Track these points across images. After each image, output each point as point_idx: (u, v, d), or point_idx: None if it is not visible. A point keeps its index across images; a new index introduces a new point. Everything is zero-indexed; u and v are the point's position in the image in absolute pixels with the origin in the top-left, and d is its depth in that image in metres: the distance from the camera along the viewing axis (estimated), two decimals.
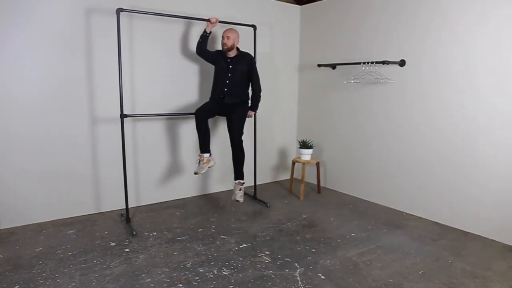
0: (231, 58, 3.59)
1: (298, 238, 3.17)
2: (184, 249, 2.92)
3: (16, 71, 3.13)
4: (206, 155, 3.61)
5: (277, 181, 4.99)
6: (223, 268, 2.64)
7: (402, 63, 3.70)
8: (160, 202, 4.02)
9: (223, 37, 3.51)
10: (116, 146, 3.58)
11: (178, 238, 3.12)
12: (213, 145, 4.21)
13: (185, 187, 4.20)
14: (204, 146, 3.61)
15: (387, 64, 3.70)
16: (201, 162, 3.57)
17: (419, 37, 3.56)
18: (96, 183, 3.63)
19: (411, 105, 3.69)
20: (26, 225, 3.32)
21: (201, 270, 2.60)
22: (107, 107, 3.56)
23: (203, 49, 3.63)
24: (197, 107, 3.71)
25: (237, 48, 3.61)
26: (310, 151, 4.29)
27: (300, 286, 2.42)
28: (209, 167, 3.62)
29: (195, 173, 3.56)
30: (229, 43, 3.49)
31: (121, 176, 3.38)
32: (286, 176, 5.07)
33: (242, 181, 3.69)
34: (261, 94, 3.73)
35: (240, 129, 3.62)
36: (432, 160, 3.56)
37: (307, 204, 4.08)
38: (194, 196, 4.27)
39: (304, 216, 3.70)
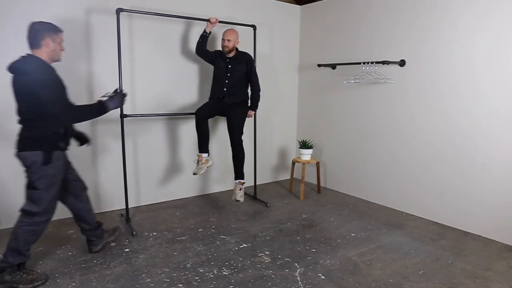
0: (230, 58, 3.60)
1: (298, 238, 3.17)
2: (184, 249, 2.92)
3: None
4: (205, 155, 3.61)
5: (277, 181, 4.99)
6: (223, 268, 2.64)
7: (402, 63, 3.70)
8: (160, 202, 4.02)
9: (223, 40, 3.52)
10: (116, 146, 3.59)
11: (178, 238, 3.12)
12: (213, 145, 4.21)
13: (185, 187, 4.19)
14: (203, 146, 3.61)
15: (387, 64, 3.70)
16: (200, 162, 3.58)
17: (419, 37, 3.56)
18: (96, 183, 3.63)
19: (411, 105, 3.69)
20: None
21: (201, 270, 2.60)
22: None
23: (203, 49, 3.64)
24: (197, 107, 3.71)
25: (236, 48, 3.62)
26: (310, 151, 4.29)
27: (300, 286, 2.42)
28: (207, 167, 3.63)
29: (194, 174, 3.56)
30: (230, 45, 3.51)
31: (121, 176, 3.38)
32: (286, 176, 5.07)
33: (242, 181, 3.69)
34: (261, 94, 3.73)
35: (240, 129, 3.62)
36: (432, 160, 3.56)
37: (307, 204, 4.08)
38: (194, 196, 4.27)
39: (304, 216, 3.70)
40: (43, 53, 2.28)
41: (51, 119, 2.30)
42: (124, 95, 2.65)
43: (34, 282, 2.33)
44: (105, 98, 2.52)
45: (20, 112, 2.32)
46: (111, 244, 2.97)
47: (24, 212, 2.31)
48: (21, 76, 2.22)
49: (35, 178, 2.28)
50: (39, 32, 2.26)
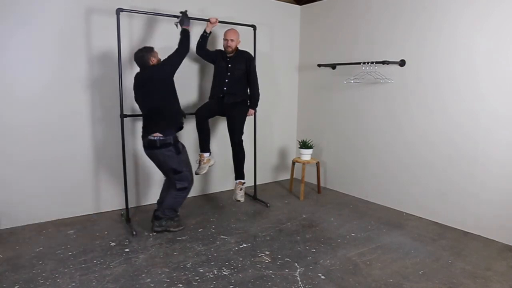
0: (231, 57, 3.60)
1: (298, 238, 3.17)
2: (184, 249, 2.92)
3: (17, 72, 3.13)
4: (206, 154, 3.62)
5: (277, 181, 4.99)
6: (223, 268, 2.64)
7: (402, 63, 3.70)
8: None
9: (226, 40, 3.52)
10: (116, 146, 3.59)
11: (178, 238, 3.12)
12: (213, 145, 4.21)
13: None
14: (204, 145, 3.62)
15: (387, 64, 3.70)
16: (202, 162, 3.59)
17: (419, 37, 3.55)
18: (96, 183, 3.63)
19: (411, 105, 3.69)
20: (26, 225, 3.32)
21: (201, 270, 2.60)
22: (107, 107, 3.56)
23: (203, 49, 3.64)
24: (198, 106, 3.72)
25: (236, 48, 3.62)
26: (310, 151, 4.29)
27: (300, 286, 2.42)
28: (209, 166, 3.64)
29: (196, 174, 3.58)
30: (233, 45, 3.53)
31: (121, 176, 3.39)
32: (286, 176, 5.07)
33: (242, 181, 3.70)
34: (261, 94, 3.73)
35: (240, 129, 3.63)
36: (432, 160, 3.56)
37: (307, 204, 4.08)
38: (194, 196, 4.27)
39: (304, 216, 3.70)
40: None
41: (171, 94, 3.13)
42: (185, 12, 3.29)
43: (179, 226, 3.28)
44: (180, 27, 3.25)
45: (151, 108, 3.08)
46: (111, 244, 2.98)
47: (179, 189, 3.18)
48: (148, 77, 3.01)
49: (176, 165, 3.13)
50: (143, 57, 3.02)
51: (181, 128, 3.22)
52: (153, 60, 3.03)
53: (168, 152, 3.05)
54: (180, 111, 3.23)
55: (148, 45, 3.66)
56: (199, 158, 3.63)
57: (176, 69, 3.10)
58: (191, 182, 3.23)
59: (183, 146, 3.20)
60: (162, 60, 3.09)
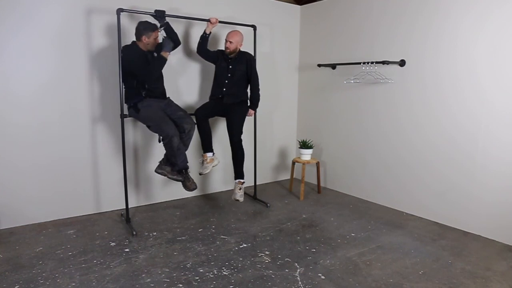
0: (232, 58, 3.60)
1: (298, 238, 3.17)
2: (184, 249, 2.92)
3: (17, 71, 3.13)
4: (209, 154, 3.62)
5: (277, 181, 4.99)
6: (223, 268, 2.64)
7: (402, 63, 3.70)
8: (160, 202, 4.02)
9: (226, 41, 3.52)
10: (116, 146, 3.59)
11: (178, 238, 3.13)
12: (214, 145, 4.21)
13: None
14: (207, 145, 3.63)
15: (387, 64, 3.70)
16: (205, 162, 3.59)
17: (419, 36, 3.56)
18: (96, 183, 3.63)
19: (411, 105, 3.69)
20: (26, 225, 3.32)
21: (201, 270, 2.60)
22: (107, 107, 3.56)
23: (203, 50, 3.64)
24: (197, 107, 3.72)
25: (236, 49, 3.62)
26: (310, 151, 4.29)
27: (300, 286, 2.42)
28: (213, 166, 3.64)
29: (200, 174, 3.59)
30: (231, 47, 3.52)
31: (121, 176, 3.39)
32: (286, 176, 5.07)
33: (242, 181, 3.70)
34: (262, 94, 3.73)
35: (239, 129, 3.63)
36: (432, 159, 3.56)
37: (307, 204, 4.08)
38: (194, 196, 4.27)
39: (304, 216, 3.70)
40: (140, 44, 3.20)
41: None
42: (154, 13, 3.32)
43: (176, 176, 3.38)
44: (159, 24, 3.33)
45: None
46: (111, 244, 2.98)
47: (160, 141, 3.33)
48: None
49: (145, 122, 3.35)
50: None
51: (141, 95, 3.24)
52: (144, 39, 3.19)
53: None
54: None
55: None
56: (202, 159, 3.64)
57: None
58: (165, 135, 3.21)
59: (148, 105, 3.23)
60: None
